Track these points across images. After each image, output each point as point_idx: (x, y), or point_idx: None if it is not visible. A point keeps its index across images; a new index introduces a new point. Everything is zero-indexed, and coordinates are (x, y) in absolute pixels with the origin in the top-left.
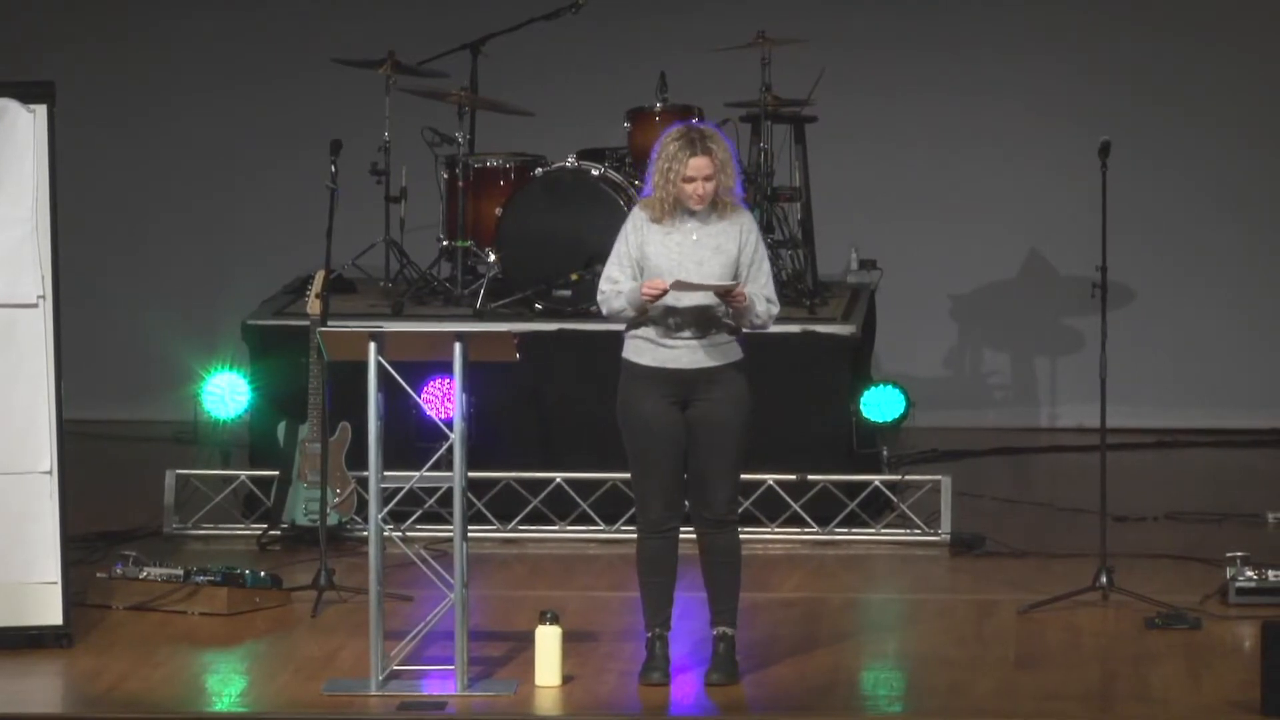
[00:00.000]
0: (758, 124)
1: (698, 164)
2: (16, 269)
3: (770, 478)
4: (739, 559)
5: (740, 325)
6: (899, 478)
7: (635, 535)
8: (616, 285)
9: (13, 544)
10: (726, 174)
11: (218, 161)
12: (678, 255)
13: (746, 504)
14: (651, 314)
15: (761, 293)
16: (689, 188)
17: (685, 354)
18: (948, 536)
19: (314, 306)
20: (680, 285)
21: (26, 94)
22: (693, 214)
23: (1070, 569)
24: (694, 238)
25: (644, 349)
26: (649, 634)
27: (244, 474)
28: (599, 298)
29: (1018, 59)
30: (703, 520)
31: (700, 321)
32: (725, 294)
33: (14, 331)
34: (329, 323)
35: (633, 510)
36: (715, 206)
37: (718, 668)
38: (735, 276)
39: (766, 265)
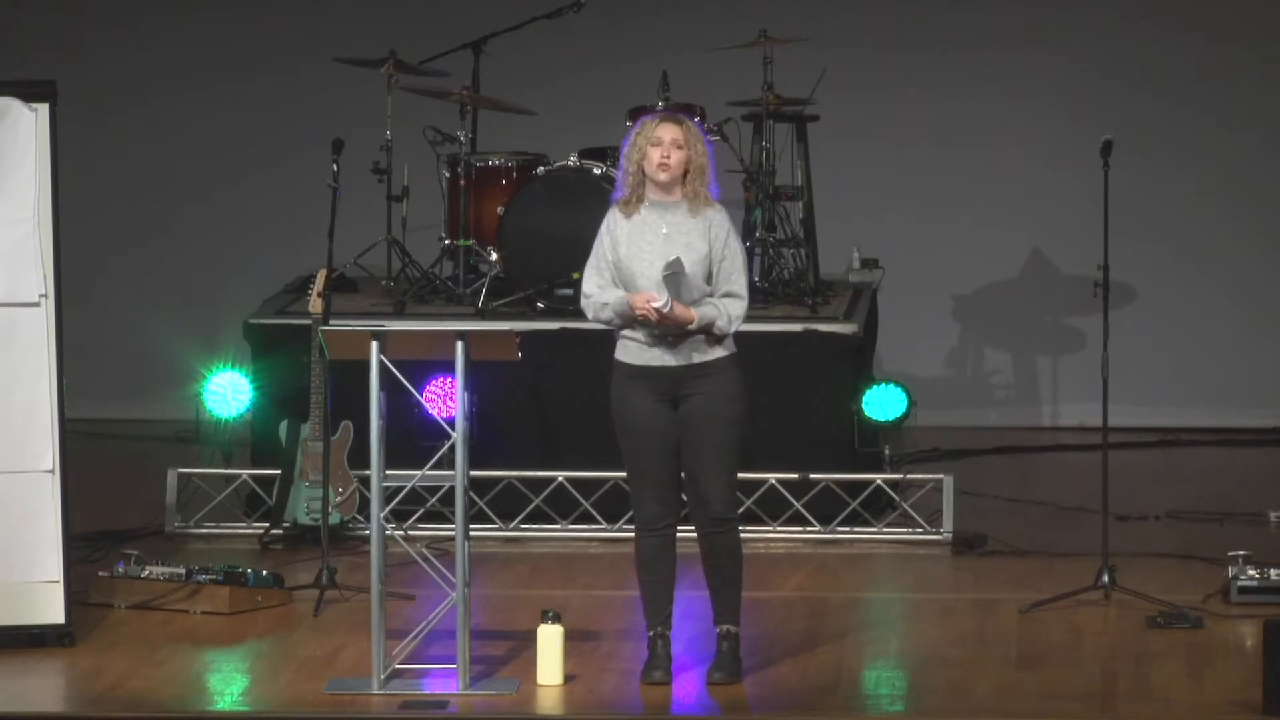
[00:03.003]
0: (760, 123)
1: (666, 128)
2: (18, 268)
3: (772, 476)
4: (740, 559)
5: (710, 334)
6: (901, 477)
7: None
8: (601, 295)
9: (15, 543)
10: (698, 151)
11: (219, 160)
12: (649, 254)
13: (748, 503)
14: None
15: (730, 289)
16: (655, 152)
17: (675, 352)
18: (949, 535)
19: (316, 305)
20: (666, 314)
21: (28, 93)
22: (664, 208)
23: (1072, 568)
24: (664, 231)
25: (632, 349)
26: (650, 633)
27: (246, 473)
28: (582, 303)
29: (1020, 58)
30: (702, 520)
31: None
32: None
33: (16, 330)
34: (331, 322)
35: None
36: (687, 199)
37: (721, 666)
38: (707, 273)
39: (739, 260)
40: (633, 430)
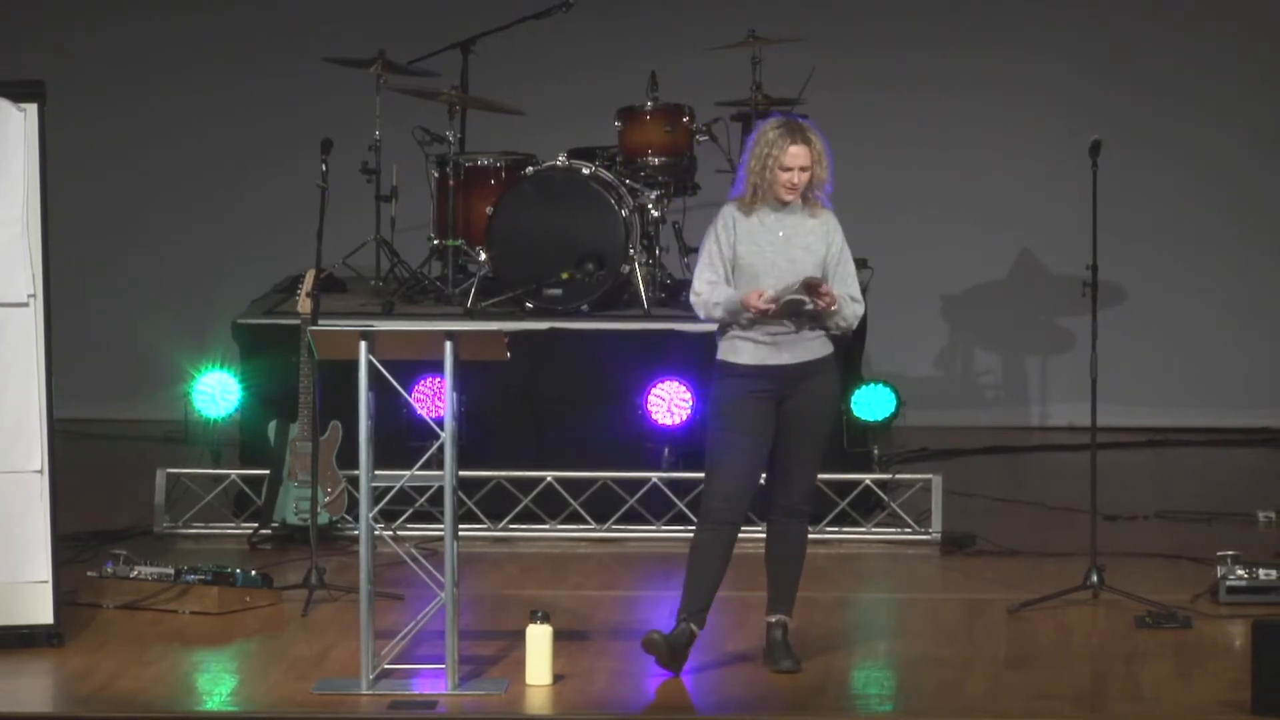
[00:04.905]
0: (749, 123)
1: (796, 152)
2: (7, 268)
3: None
4: (805, 550)
5: (827, 326)
6: (890, 477)
7: (625, 534)
8: (712, 294)
9: (3, 543)
10: (822, 167)
11: (209, 161)
12: (770, 254)
13: None
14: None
15: (847, 292)
16: (784, 176)
17: (785, 351)
18: (938, 535)
19: (304, 305)
20: (779, 302)
21: (17, 93)
22: (780, 210)
23: (1061, 568)
24: (780, 234)
25: (743, 348)
26: (679, 620)
27: (235, 473)
28: (693, 299)
29: (1008, 58)
30: (779, 508)
31: (794, 321)
32: (813, 290)
33: (4, 330)
34: (320, 322)
35: (623, 510)
36: (804, 203)
37: (786, 655)
38: (823, 276)
39: (851, 265)
40: (733, 428)
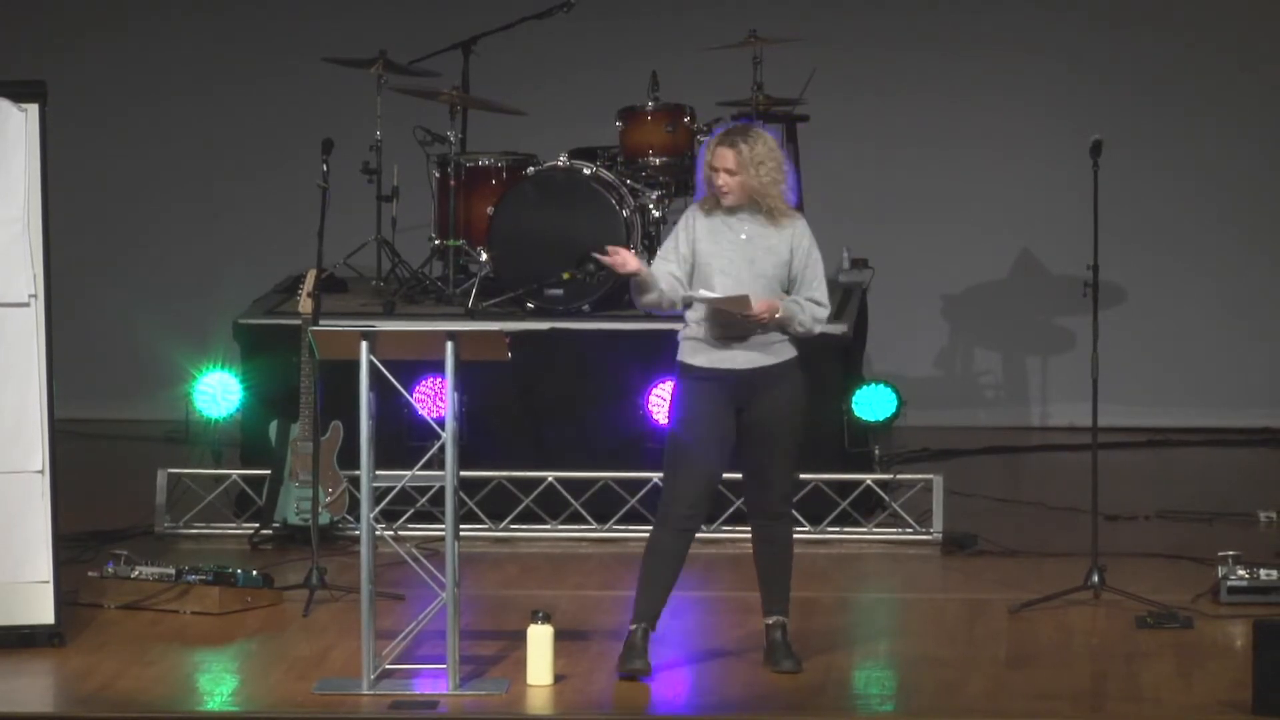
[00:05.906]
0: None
1: (721, 154)
2: (8, 268)
3: None
4: (792, 551)
5: (786, 332)
6: (890, 477)
7: (626, 534)
8: (658, 266)
9: (4, 543)
10: (752, 173)
11: (210, 161)
12: (730, 253)
13: (737, 503)
14: (702, 315)
15: (811, 296)
16: (715, 178)
17: (741, 355)
18: (939, 535)
19: (305, 305)
20: (697, 299)
21: (18, 93)
22: (742, 214)
23: (1062, 568)
24: (743, 236)
25: (699, 350)
26: (632, 626)
27: (236, 473)
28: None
29: (1009, 58)
30: (760, 512)
31: (747, 325)
32: (744, 314)
33: (5, 330)
34: (321, 322)
35: (624, 510)
36: (765, 209)
37: (787, 655)
38: (789, 279)
39: (819, 269)
40: (690, 431)
